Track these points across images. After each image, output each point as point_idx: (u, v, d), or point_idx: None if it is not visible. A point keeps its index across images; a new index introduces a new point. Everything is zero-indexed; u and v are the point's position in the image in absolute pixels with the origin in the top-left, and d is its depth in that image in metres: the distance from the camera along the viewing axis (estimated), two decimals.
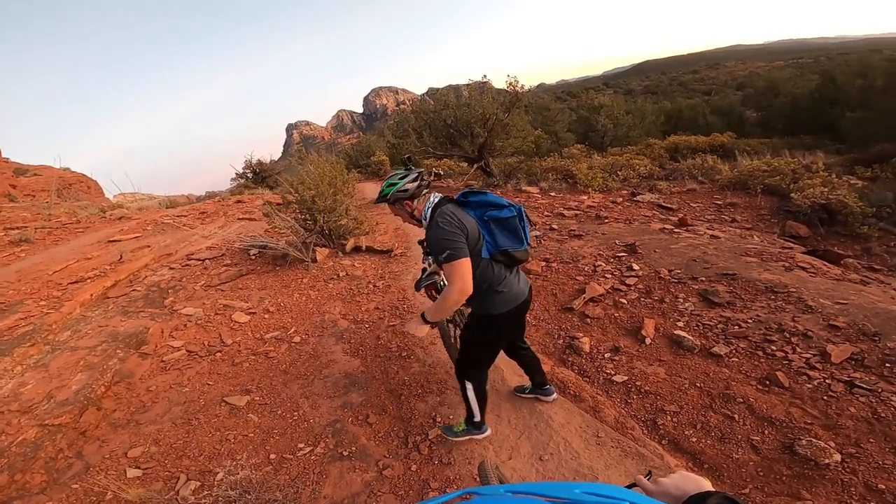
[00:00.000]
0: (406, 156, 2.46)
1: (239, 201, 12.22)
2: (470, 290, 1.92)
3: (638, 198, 8.55)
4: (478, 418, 2.50)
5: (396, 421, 2.92)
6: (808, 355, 2.92)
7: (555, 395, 2.87)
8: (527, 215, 2.18)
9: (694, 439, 2.50)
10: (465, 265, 1.90)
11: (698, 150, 13.52)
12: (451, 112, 11.76)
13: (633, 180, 10.32)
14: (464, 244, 1.93)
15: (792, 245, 5.72)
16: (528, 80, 14.24)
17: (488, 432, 2.60)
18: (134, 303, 4.95)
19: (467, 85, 13.21)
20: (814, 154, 11.91)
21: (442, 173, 15.02)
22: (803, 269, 4.34)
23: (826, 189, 7.04)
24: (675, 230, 6.00)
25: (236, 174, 20.04)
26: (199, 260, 6.31)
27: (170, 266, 6.08)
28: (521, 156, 13.16)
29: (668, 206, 8.05)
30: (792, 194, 7.36)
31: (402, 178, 2.15)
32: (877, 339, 2.94)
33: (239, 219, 9.27)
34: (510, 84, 11.81)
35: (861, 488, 2.04)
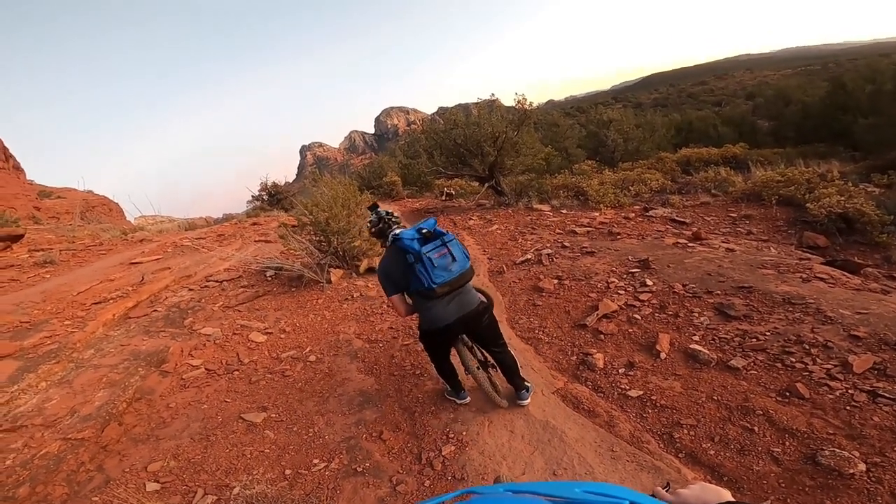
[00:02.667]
0: (370, 204, 3.01)
1: (255, 223, 12.45)
2: (402, 316, 2.75)
3: (650, 213, 8.46)
4: (448, 389, 3.18)
5: (410, 437, 2.94)
6: (828, 366, 2.87)
7: (528, 400, 3.03)
8: (449, 249, 2.54)
9: (712, 452, 2.46)
10: (392, 301, 2.66)
11: (710, 162, 13.33)
12: (460, 131, 11.81)
13: (645, 195, 10.26)
14: (390, 285, 2.62)
15: (810, 256, 5.62)
16: (537, 97, 14.39)
17: (466, 399, 3.13)
18: (155, 323, 5.07)
19: (476, 103, 13.31)
20: (828, 162, 11.70)
21: (454, 193, 15.05)
22: (822, 279, 4.24)
23: (842, 198, 6.90)
24: (689, 244, 5.93)
25: (252, 196, 20.46)
26: (217, 281, 6.45)
27: (189, 287, 6.22)
28: (531, 173, 13.16)
29: (682, 220, 7.96)
30: (808, 204, 7.23)
31: (369, 221, 2.81)
32: None
33: (255, 241, 9.43)
34: (518, 101, 11.82)
35: (888, 497, 2.00)
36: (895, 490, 2.02)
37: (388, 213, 2.83)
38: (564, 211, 9.41)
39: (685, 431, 2.64)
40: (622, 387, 3.17)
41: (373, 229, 2.81)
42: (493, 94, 13.15)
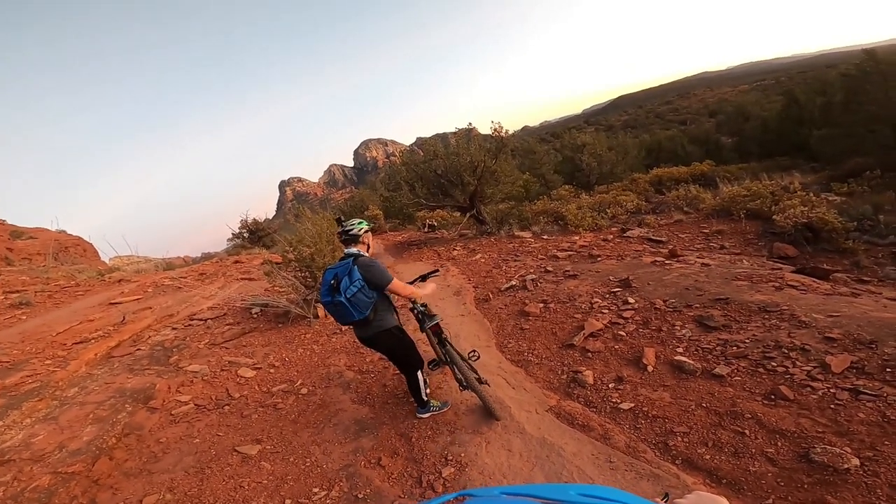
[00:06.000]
0: (336, 216, 3.40)
1: (237, 261, 12.33)
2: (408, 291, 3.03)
3: (628, 233, 8.72)
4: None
5: (409, 462, 2.93)
6: (808, 368, 2.99)
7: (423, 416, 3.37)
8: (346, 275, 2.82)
9: (708, 457, 2.53)
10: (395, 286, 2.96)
11: (681, 180, 13.80)
12: (440, 162, 11.90)
13: (621, 217, 10.58)
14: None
15: (781, 265, 5.87)
16: (512, 124, 14.79)
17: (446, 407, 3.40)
18: (139, 361, 4.99)
19: (454, 133, 13.55)
20: (790, 175, 12.22)
21: (436, 224, 15.08)
22: (793, 287, 4.43)
23: (806, 208, 7.27)
24: (667, 262, 6.10)
25: (233, 234, 20.25)
26: (201, 320, 6.38)
27: (172, 326, 6.13)
28: (511, 201, 13.39)
29: (658, 238, 8.21)
30: (774, 216, 7.56)
31: (337, 233, 3.15)
32: (874, 346, 3.02)
33: (238, 279, 9.36)
34: (495, 129, 11.97)
35: (886, 489, 2.08)
36: (893, 482, 2.10)
37: (349, 227, 3.06)
38: (545, 236, 9.60)
39: (679, 439, 2.70)
40: (613, 400, 3.24)
41: (341, 239, 3.11)
42: (470, 123, 13.44)
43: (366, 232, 3.06)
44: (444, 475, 2.71)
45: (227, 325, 6.17)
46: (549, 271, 6.48)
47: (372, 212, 21.12)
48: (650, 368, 3.51)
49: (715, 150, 23.31)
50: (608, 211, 10.90)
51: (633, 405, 3.12)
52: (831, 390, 2.74)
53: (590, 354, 3.93)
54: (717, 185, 11.54)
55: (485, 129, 12.70)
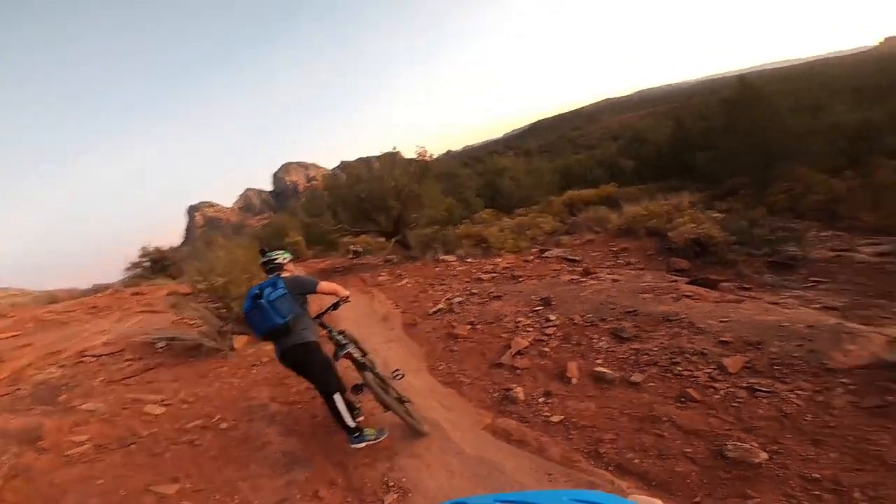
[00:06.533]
0: (260, 248, 3.44)
1: (137, 293, 11.24)
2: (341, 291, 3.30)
3: (546, 254, 9.19)
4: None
5: (348, 492, 2.83)
6: (709, 370, 3.34)
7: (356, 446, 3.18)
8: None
9: (637, 461, 2.70)
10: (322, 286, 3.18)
11: (591, 202, 14.93)
12: (363, 186, 11.74)
13: (540, 238, 11.14)
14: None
15: (677, 278, 6.54)
16: (436, 148, 15.05)
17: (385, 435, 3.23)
18: (21, 401, 4.53)
19: (378, 157, 13.49)
20: (680, 194, 13.63)
21: (361, 250, 14.75)
22: (689, 297, 4.96)
23: (694, 225, 8.21)
24: (582, 279, 6.51)
25: (131, 263, 18.30)
26: (94, 356, 5.79)
27: (60, 364, 5.54)
28: (436, 225, 13.55)
29: (574, 258, 8.72)
30: (669, 233, 8.44)
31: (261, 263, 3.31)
32: (761, 346, 3.43)
33: (138, 312, 8.58)
34: (419, 153, 12.10)
35: (798, 480, 2.28)
36: (802, 473, 2.31)
37: (273, 256, 3.25)
38: (470, 260, 9.78)
39: (608, 446, 2.88)
40: (545, 414, 3.38)
41: (265, 269, 3.25)
42: (394, 147, 13.44)
43: (289, 262, 3.30)
44: (386, 503, 2.63)
45: (127, 360, 5.64)
46: (474, 294, 6.63)
47: (293, 238, 20.27)
48: (574, 381, 3.71)
49: (618, 173, 25.00)
50: (528, 233, 11.44)
51: (562, 417, 3.27)
52: (731, 389, 3.06)
53: (519, 372, 4.06)
54: (621, 205, 12.61)
55: (410, 153, 12.79)
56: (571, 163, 31.19)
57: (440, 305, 6.35)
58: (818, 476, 2.27)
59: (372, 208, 11.80)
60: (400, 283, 8.59)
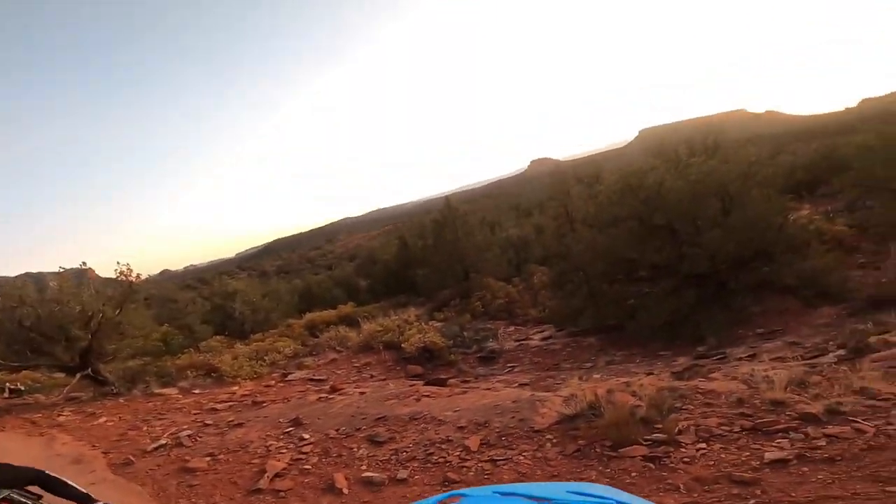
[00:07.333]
0: None
1: None
2: None
3: (290, 377, 8.93)
4: None
5: None
6: (457, 453, 3.83)
7: None
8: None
9: None
10: None
11: (331, 322, 15.12)
12: (30, 311, 8.97)
13: (281, 362, 10.57)
14: None
15: (415, 382, 7.31)
16: (148, 268, 12.74)
17: None
18: None
19: (58, 274, 10.42)
20: (407, 310, 15.39)
21: (23, 389, 10.44)
22: (427, 396, 5.69)
23: (421, 335, 9.50)
24: (331, 396, 6.61)
25: None
26: None
27: None
28: (146, 356, 11.16)
29: (319, 378, 8.72)
30: (403, 345, 9.49)
31: None
32: (487, 424, 4.18)
33: None
34: (121, 273, 9.97)
35: None
36: None
37: None
38: (197, 391, 8.59)
39: None
40: None
41: None
42: (84, 263, 10.79)
43: None
44: None
45: None
46: (209, 424, 5.97)
47: None
48: (346, 490, 3.65)
49: (355, 292, 26.05)
50: (266, 358, 10.68)
51: None
52: (479, 464, 3.58)
53: (283, 494, 3.82)
54: (360, 324, 13.34)
55: (108, 271, 10.37)
56: (312, 283, 31.13)
57: (162, 441, 5.44)
58: None
59: (43, 339, 8.89)
60: (96, 422, 6.84)
